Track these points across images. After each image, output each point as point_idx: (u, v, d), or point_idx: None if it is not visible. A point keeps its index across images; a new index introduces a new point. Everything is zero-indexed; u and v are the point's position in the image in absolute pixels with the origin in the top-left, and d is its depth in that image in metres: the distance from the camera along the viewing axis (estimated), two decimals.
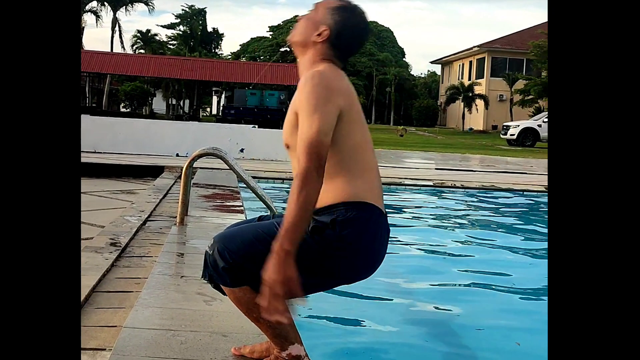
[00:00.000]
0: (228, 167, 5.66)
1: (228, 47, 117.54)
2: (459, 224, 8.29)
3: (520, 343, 3.90)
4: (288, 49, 63.03)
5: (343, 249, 2.15)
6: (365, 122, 2.32)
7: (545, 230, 8.09)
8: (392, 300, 4.70)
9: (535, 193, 10.98)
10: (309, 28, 2.33)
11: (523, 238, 7.49)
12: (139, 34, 60.26)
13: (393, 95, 60.41)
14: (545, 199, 10.55)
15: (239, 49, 66.10)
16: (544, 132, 31.15)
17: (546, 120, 31.91)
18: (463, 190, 10.95)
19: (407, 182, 11.36)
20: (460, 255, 6.36)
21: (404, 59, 68.06)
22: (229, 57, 64.57)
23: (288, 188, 10.50)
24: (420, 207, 9.65)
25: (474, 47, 50.84)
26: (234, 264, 2.17)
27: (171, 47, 64.03)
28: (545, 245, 7.01)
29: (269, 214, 2.43)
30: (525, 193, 10.98)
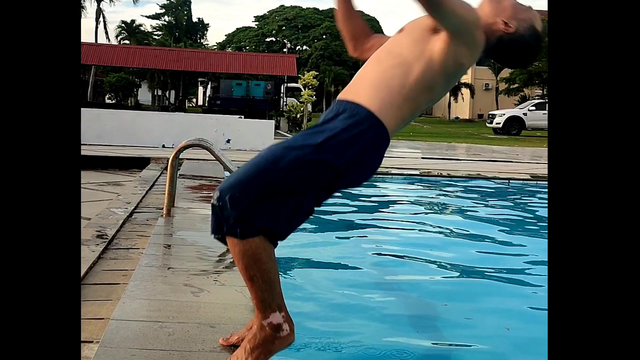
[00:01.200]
0: (214, 158, 5.65)
1: (214, 37, 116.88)
2: (445, 212, 8.33)
3: (510, 328, 3.93)
4: (274, 39, 62.92)
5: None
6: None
7: (531, 216, 8.14)
8: (379, 289, 4.72)
9: (521, 181, 11.04)
10: (492, 7, 2.30)
11: (509, 225, 7.53)
12: (123, 25, 59.84)
13: None
14: (531, 187, 10.62)
15: (224, 39, 65.81)
16: (529, 121, 31.30)
17: (532, 108, 32.10)
18: (449, 179, 10.99)
19: (393, 171, 11.38)
20: (446, 244, 6.39)
21: None
22: (215, 47, 64.29)
23: None
24: (407, 196, 9.67)
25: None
26: (245, 209, 2.06)
27: (156, 37, 63.64)
28: (531, 231, 7.06)
29: None
30: (511, 182, 11.04)
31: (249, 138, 14.39)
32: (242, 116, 16.43)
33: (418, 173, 11.32)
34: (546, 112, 32.18)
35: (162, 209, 5.43)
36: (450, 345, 3.70)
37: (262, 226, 2.06)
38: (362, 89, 2.23)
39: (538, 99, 35.28)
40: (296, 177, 2.08)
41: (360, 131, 2.15)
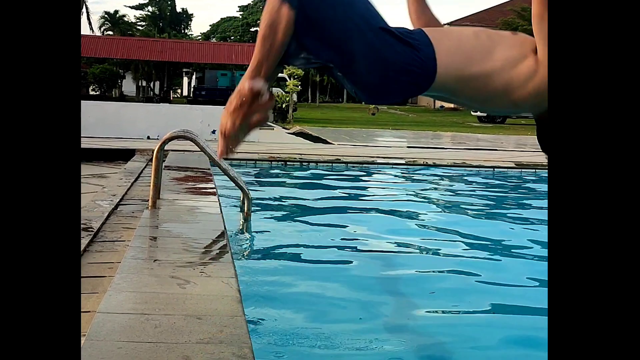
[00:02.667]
0: (200, 150, 5.64)
1: (198, 27, 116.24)
2: (431, 201, 8.37)
3: (497, 315, 3.97)
4: (259, 29, 62.71)
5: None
6: None
7: (515, 205, 8.20)
8: (366, 278, 4.75)
9: (506, 170, 11.11)
10: None
11: (494, 214, 7.58)
12: (106, 16, 59.38)
13: None
14: (516, 174, 10.68)
15: (209, 29, 65.50)
16: None
17: None
18: (435, 167, 11.04)
19: (379, 160, 11.41)
20: (431, 232, 6.42)
21: None
22: (199, 37, 63.98)
23: (260, 169, 10.46)
24: (393, 185, 9.70)
25: (444, 24, 50.88)
26: None
27: (140, 28, 63.20)
28: (516, 219, 7.11)
29: None
30: (495, 170, 11.10)
31: None
32: None
33: (404, 162, 11.35)
34: None
35: (148, 201, 5.41)
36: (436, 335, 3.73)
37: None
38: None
39: None
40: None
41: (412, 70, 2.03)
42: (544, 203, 7.95)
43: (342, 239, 5.89)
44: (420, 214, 7.29)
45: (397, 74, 2.00)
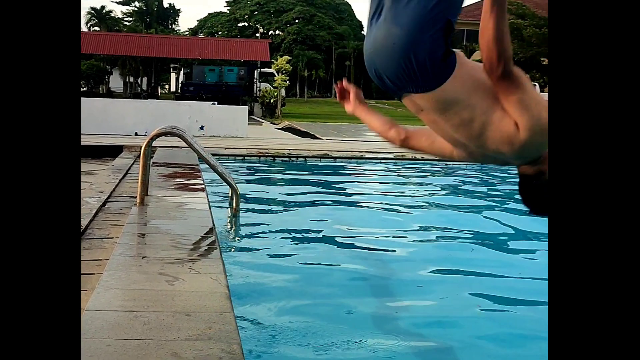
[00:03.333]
0: (188, 146, 5.63)
1: (185, 23, 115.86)
2: (420, 195, 8.38)
3: (481, 306, 3.99)
4: (246, 24, 62.51)
5: None
6: None
7: (503, 196, 8.23)
8: (355, 272, 4.76)
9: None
10: None
11: (477, 204, 7.61)
12: (92, 11, 59.00)
13: (352, 68, 60.35)
14: (501, 168, 10.71)
15: (196, 24, 65.21)
16: None
17: None
18: (423, 162, 11.06)
19: (367, 155, 11.42)
20: (421, 225, 6.44)
21: (362, 32, 67.94)
22: (187, 33, 63.73)
23: (249, 164, 10.43)
24: (382, 179, 9.72)
25: None
26: None
27: (127, 24, 62.85)
28: (506, 210, 7.14)
29: None
30: (482, 165, 11.12)
31: (223, 124, 14.33)
32: (216, 102, 16.33)
33: (392, 157, 11.37)
34: None
35: (136, 197, 5.40)
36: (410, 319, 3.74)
37: None
38: None
39: None
40: None
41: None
42: None
43: (331, 234, 5.90)
44: (408, 208, 7.31)
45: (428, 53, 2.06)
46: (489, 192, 8.74)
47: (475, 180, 9.91)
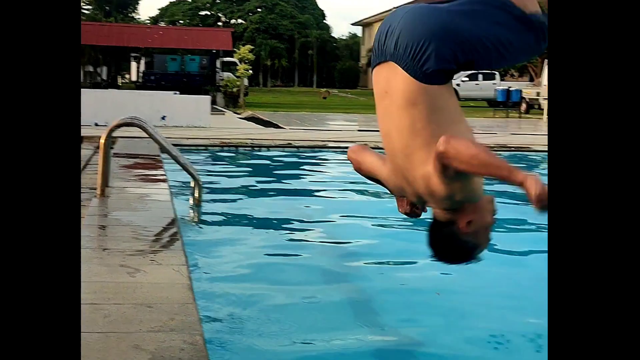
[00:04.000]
0: (149, 136, 5.57)
1: (146, 11, 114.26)
2: None
3: (440, 293, 4.04)
4: (208, 13, 61.94)
5: None
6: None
7: None
8: (319, 262, 4.78)
9: None
10: None
11: None
12: None
13: (315, 58, 60.31)
14: None
15: (157, 13, 64.43)
16: (462, 91, 31.83)
17: (465, 79, 32.61)
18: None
19: (330, 144, 11.45)
20: (385, 215, 6.48)
21: (324, 21, 67.91)
22: (148, 21, 62.92)
23: (211, 154, 10.35)
24: (345, 168, 9.74)
25: (394, 8, 51.10)
26: None
27: (86, 12, 61.80)
28: None
29: None
30: None
31: (185, 114, 14.20)
32: (178, 92, 16.18)
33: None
34: (478, 82, 32.74)
35: (96, 189, 5.34)
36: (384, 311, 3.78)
37: None
38: None
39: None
40: None
41: None
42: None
43: (294, 223, 5.91)
44: (372, 196, 7.35)
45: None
46: None
47: None
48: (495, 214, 2.17)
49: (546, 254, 1.50)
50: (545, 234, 1.55)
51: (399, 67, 2.03)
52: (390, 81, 2.08)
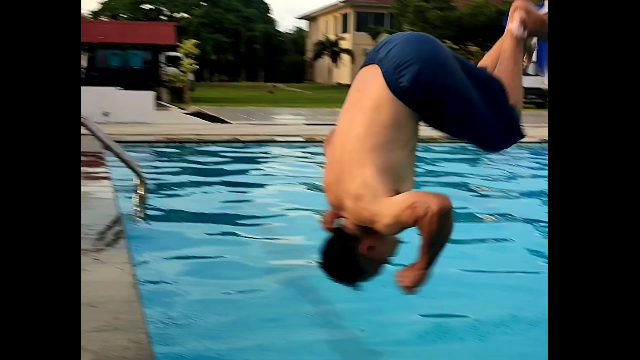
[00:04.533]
0: (90, 133, 5.47)
1: (86, 5, 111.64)
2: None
3: (385, 285, 4.07)
4: (151, 7, 61.03)
5: None
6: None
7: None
8: (265, 256, 4.78)
9: None
10: None
11: None
12: None
13: (261, 52, 60.04)
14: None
15: (99, 7, 63.17)
16: None
17: None
18: None
19: (277, 138, 11.44)
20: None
21: (270, 15, 67.68)
22: (90, 15, 61.64)
23: (156, 151, 10.23)
24: (293, 162, 9.75)
25: (339, 2, 51.25)
26: None
27: None
28: None
29: None
30: None
31: (129, 110, 13.98)
32: (121, 87, 15.91)
33: (302, 139, 11.43)
34: None
35: None
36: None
37: None
38: None
39: None
40: None
41: None
42: (435, 168, 8.22)
43: (240, 219, 5.89)
44: (318, 190, 7.37)
45: None
46: None
47: None
48: (393, 256, 2.20)
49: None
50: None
51: (380, 74, 2.08)
52: (367, 82, 2.14)
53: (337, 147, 2.23)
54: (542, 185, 7.76)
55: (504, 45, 2.28)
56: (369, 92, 2.11)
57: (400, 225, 2.03)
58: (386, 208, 2.01)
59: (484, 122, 2.16)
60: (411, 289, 2.09)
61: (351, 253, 2.13)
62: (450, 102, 2.10)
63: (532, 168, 9.40)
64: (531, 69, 27.19)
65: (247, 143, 10.92)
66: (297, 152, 10.49)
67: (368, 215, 2.04)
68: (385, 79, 2.07)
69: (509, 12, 2.31)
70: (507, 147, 2.32)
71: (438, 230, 2.00)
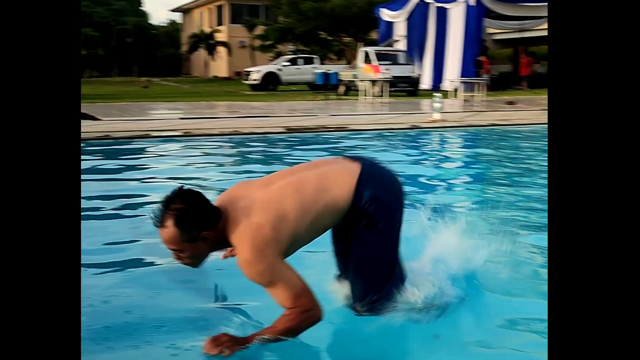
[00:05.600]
0: None
1: None
2: (209, 170, 8.41)
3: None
4: None
5: None
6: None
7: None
8: (160, 252, 4.69)
9: (275, 135, 11.50)
10: None
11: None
12: None
13: (134, 46, 58.45)
14: (287, 140, 11.05)
15: None
16: (284, 76, 32.37)
17: (286, 64, 33.12)
18: (209, 137, 11.10)
19: (153, 134, 11.22)
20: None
21: (141, 8, 66.00)
22: None
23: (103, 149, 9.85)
24: (170, 157, 9.60)
25: None
26: None
27: None
28: None
29: None
30: (267, 136, 11.42)
31: None
32: None
33: (180, 134, 11.27)
34: (299, 66, 33.37)
35: None
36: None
37: None
38: None
39: (291, 54, 36.37)
40: None
41: None
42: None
43: (114, 218, 5.75)
44: (196, 188, 7.30)
45: None
46: (271, 162, 8.97)
47: (263, 151, 10.14)
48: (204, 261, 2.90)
49: None
50: None
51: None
52: (327, 164, 2.99)
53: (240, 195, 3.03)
54: (420, 170, 8.05)
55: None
56: (314, 174, 2.93)
57: (265, 284, 2.68)
58: (280, 279, 2.63)
59: (375, 273, 2.86)
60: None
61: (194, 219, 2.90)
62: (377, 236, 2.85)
63: (409, 155, 9.71)
64: (402, 57, 27.90)
65: (119, 139, 10.64)
66: (175, 147, 10.33)
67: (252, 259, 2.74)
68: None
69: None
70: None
71: (302, 329, 2.58)
